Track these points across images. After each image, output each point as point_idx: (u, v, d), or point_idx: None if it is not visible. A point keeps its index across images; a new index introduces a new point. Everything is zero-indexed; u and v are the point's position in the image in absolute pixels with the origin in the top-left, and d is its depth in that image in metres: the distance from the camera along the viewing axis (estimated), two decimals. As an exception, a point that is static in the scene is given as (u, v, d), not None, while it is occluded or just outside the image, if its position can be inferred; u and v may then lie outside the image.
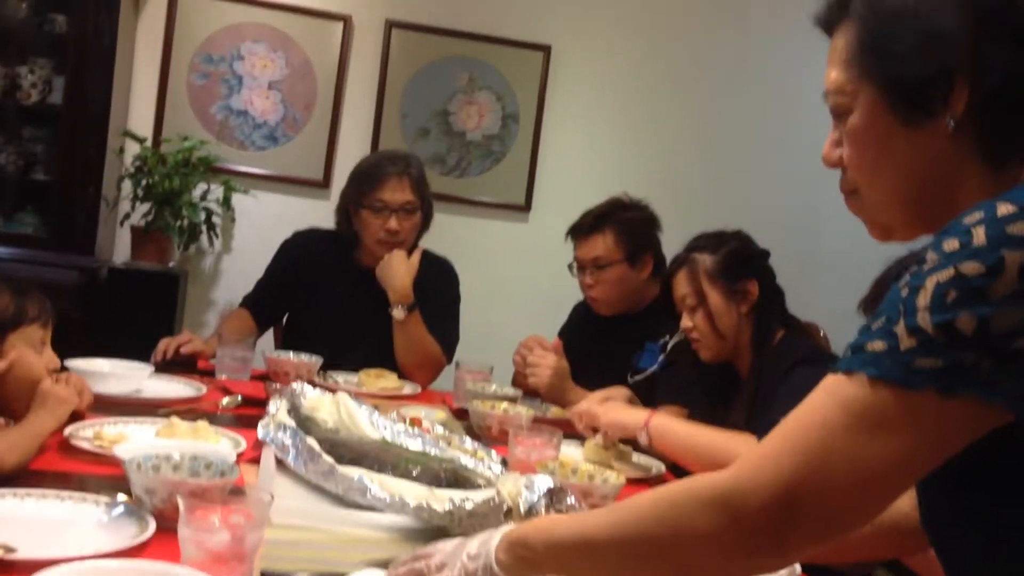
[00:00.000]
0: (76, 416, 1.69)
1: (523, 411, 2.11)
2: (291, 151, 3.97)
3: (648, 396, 2.32)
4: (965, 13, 0.85)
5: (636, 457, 1.95)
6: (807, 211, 4.26)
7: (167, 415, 1.83)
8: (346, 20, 3.95)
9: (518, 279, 4.11)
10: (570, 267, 2.63)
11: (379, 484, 1.39)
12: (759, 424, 1.85)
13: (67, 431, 1.62)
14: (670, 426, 1.89)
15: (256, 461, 1.60)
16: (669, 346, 2.44)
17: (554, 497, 1.31)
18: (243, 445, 1.67)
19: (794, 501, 0.77)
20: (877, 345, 0.78)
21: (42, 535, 1.19)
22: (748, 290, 2.06)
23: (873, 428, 0.76)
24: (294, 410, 1.73)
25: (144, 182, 3.66)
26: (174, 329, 3.64)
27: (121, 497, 1.32)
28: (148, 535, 1.19)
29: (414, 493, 1.35)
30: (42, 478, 1.44)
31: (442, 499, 1.30)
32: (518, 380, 2.58)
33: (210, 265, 4.01)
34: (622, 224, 2.54)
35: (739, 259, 2.08)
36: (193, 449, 1.43)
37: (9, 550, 1.09)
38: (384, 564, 1.20)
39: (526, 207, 4.14)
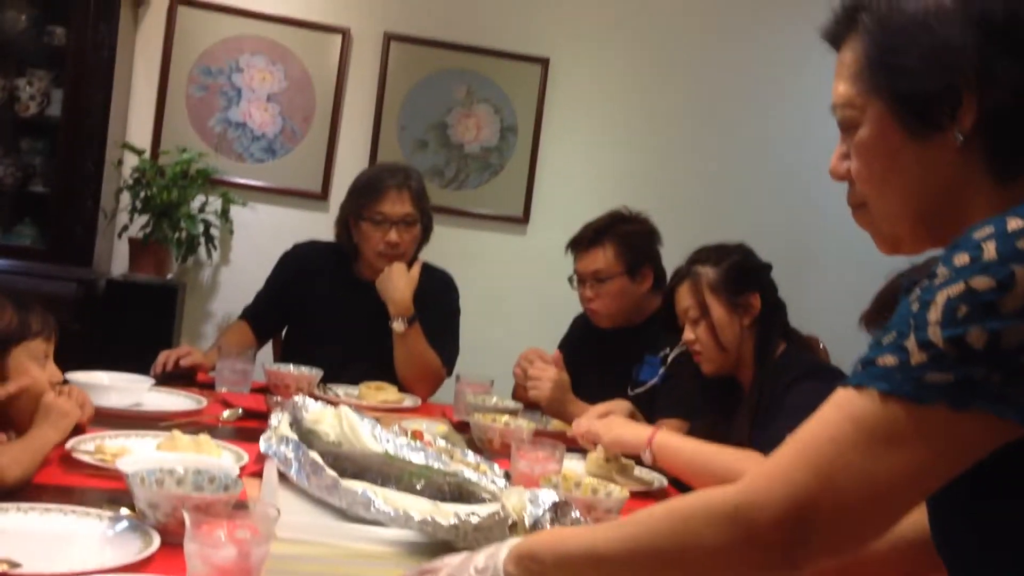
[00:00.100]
0: (77, 429, 1.69)
1: (524, 424, 2.11)
2: (289, 163, 3.97)
3: (648, 409, 2.32)
4: (973, 28, 0.85)
5: (638, 470, 1.94)
6: (807, 223, 4.27)
7: (168, 428, 1.82)
8: (345, 33, 3.96)
9: (516, 291, 4.11)
10: (570, 280, 2.64)
11: (383, 498, 1.39)
12: (761, 438, 1.85)
13: (69, 444, 1.62)
14: (674, 444, 1.88)
15: (258, 475, 1.59)
16: (669, 359, 2.45)
17: (558, 511, 1.31)
18: (245, 458, 1.67)
19: (806, 515, 0.78)
20: (888, 360, 0.78)
21: (46, 550, 1.19)
22: (750, 303, 2.07)
23: (884, 443, 0.77)
24: (296, 423, 1.73)
25: (142, 194, 3.66)
26: (172, 341, 3.63)
27: (124, 511, 1.32)
28: (153, 550, 1.19)
29: (418, 507, 1.35)
30: (44, 492, 1.43)
31: (447, 513, 1.30)
32: (518, 393, 2.58)
33: (208, 277, 4.00)
34: (622, 237, 2.54)
35: (741, 272, 2.09)
36: (196, 463, 1.42)
37: (14, 565, 1.09)
38: (389, 579, 1.20)
39: (524, 219, 4.15)
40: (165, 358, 2.46)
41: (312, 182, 3.98)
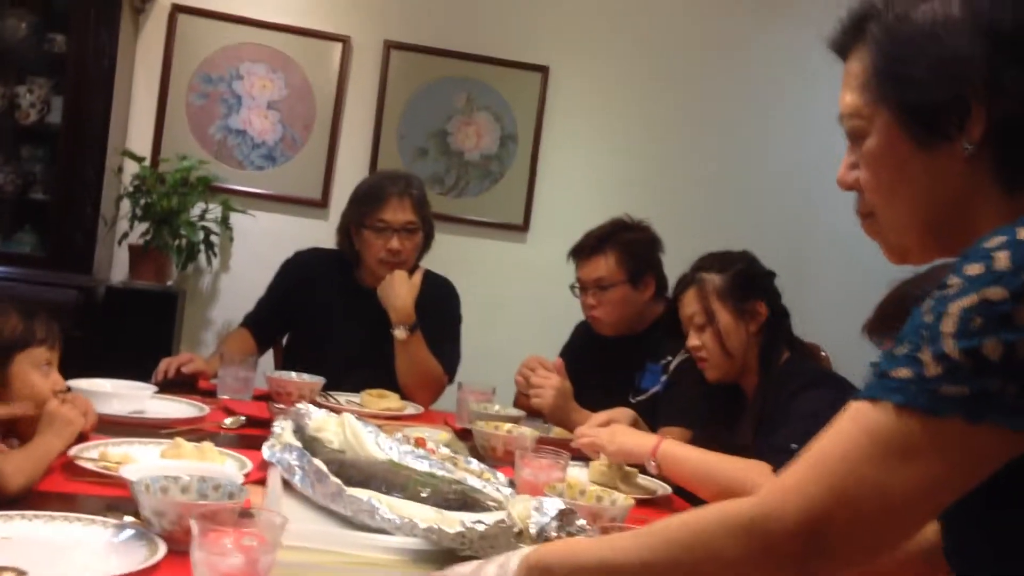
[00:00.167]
0: (81, 437, 1.69)
1: (527, 432, 2.11)
2: (289, 171, 3.97)
3: (650, 417, 2.32)
4: (981, 39, 0.86)
5: (641, 478, 1.94)
6: (806, 230, 4.27)
7: (171, 435, 1.82)
8: (345, 41, 3.97)
9: (516, 299, 4.11)
10: (572, 288, 2.64)
11: (388, 506, 1.38)
12: (766, 446, 1.85)
13: (72, 451, 1.61)
14: (680, 453, 1.88)
15: (261, 482, 1.59)
16: (671, 367, 2.45)
17: (564, 519, 1.31)
18: (249, 466, 1.66)
19: (822, 528, 0.78)
20: (902, 372, 0.78)
21: (52, 558, 1.19)
22: (757, 310, 2.07)
23: (899, 456, 0.77)
24: (299, 431, 1.73)
25: (143, 201, 3.66)
26: (172, 348, 3.63)
27: (128, 519, 1.31)
28: (158, 558, 1.19)
29: (424, 515, 1.35)
30: (48, 499, 1.43)
31: (453, 521, 1.29)
32: (520, 400, 2.58)
33: (208, 284, 4.00)
34: (624, 245, 2.54)
35: (747, 279, 2.09)
36: (201, 470, 1.42)
37: (20, 573, 1.09)
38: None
39: (524, 227, 4.15)
40: (166, 365, 2.46)
41: (312, 190, 3.98)
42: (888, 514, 0.77)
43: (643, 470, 1.95)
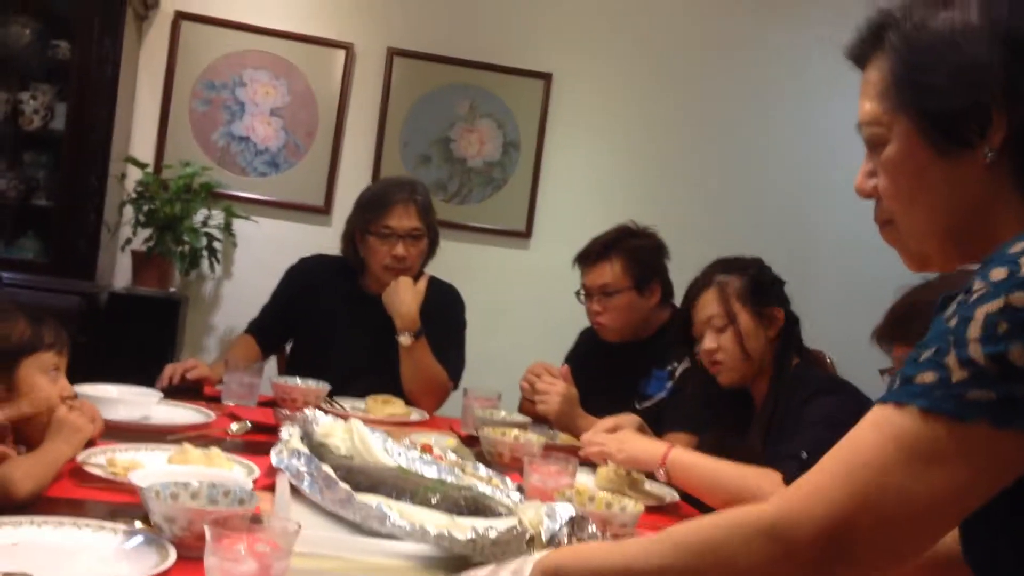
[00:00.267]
0: (88, 443, 1.68)
1: (534, 438, 2.11)
2: (292, 177, 3.98)
3: (655, 423, 2.31)
4: (1000, 46, 0.86)
5: (649, 484, 1.94)
6: (811, 236, 4.28)
7: (178, 441, 1.82)
8: (348, 48, 3.98)
9: (519, 305, 4.11)
10: (577, 294, 2.63)
11: (398, 512, 1.38)
12: (776, 453, 1.85)
13: (79, 457, 1.61)
14: (690, 461, 1.87)
15: (269, 488, 1.58)
16: (677, 373, 2.44)
17: (575, 525, 1.31)
18: (256, 472, 1.66)
19: (846, 533, 0.77)
20: (927, 377, 0.78)
21: (61, 564, 1.18)
22: (775, 315, 2.07)
23: (925, 461, 0.76)
24: (306, 436, 1.73)
25: (146, 208, 3.66)
26: (175, 354, 3.63)
27: (138, 524, 1.31)
28: (169, 564, 1.18)
29: (435, 521, 1.35)
30: (56, 505, 1.43)
31: (464, 528, 1.29)
32: (525, 406, 2.58)
33: (211, 290, 4.00)
34: (630, 251, 2.54)
35: (765, 284, 2.09)
36: (211, 476, 1.42)
37: (31, 579, 1.08)
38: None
39: (527, 234, 4.15)
40: (171, 371, 2.46)
41: (315, 196, 3.99)
42: (912, 520, 0.77)
43: (650, 476, 1.94)
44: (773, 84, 4.30)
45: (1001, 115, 0.86)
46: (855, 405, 1.90)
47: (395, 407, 2.44)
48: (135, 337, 3.53)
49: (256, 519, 1.19)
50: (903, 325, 1.51)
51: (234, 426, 2.07)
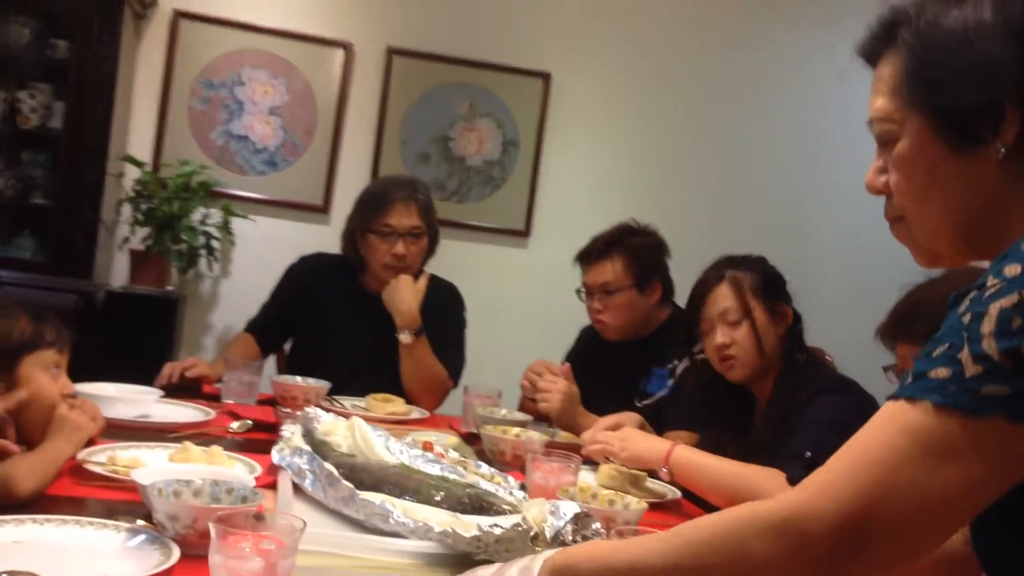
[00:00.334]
0: (88, 441, 1.68)
1: (536, 436, 2.10)
2: (291, 176, 3.97)
3: (656, 421, 2.31)
4: (1013, 42, 0.86)
5: (650, 482, 1.93)
6: (811, 235, 4.28)
7: (178, 440, 1.81)
8: (347, 47, 3.97)
9: (517, 304, 4.11)
10: (578, 292, 2.63)
11: (402, 510, 1.38)
12: (781, 451, 1.84)
13: (80, 455, 1.60)
14: (694, 460, 1.86)
15: (271, 486, 1.58)
16: (677, 371, 2.44)
17: (580, 523, 1.30)
18: (258, 470, 1.65)
19: (859, 529, 0.77)
20: (941, 372, 0.77)
21: (65, 562, 1.18)
22: (785, 312, 2.06)
23: (939, 456, 0.76)
24: (308, 434, 1.72)
25: (144, 206, 3.65)
26: (172, 353, 3.62)
27: (140, 523, 1.30)
28: (173, 562, 1.18)
29: (439, 519, 1.34)
30: (57, 503, 1.42)
31: (468, 525, 1.29)
32: (525, 404, 2.57)
33: (209, 289, 3.99)
34: (631, 250, 2.54)
35: (775, 281, 2.09)
36: (213, 474, 1.41)
37: (35, 577, 1.07)
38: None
39: (526, 232, 4.15)
40: (171, 370, 2.46)
41: (313, 195, 3.98)
42: (926, 515, 0.77)
43: (652, 474, 1.94)
44: (772, 83, 4.30)
45: (1014, 111, 0.86)
46: (859, 404, 1.90)
47: (395, 405, 2.44)
48: (132, 336, 3.52)
49: (259, 517, 1.19)
50: (907, 323, 1.51)
51: (234, 424, 2.07)
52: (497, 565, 1.04)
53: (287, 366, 2.83)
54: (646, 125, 4.22)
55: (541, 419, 2.44)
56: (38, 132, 3.62)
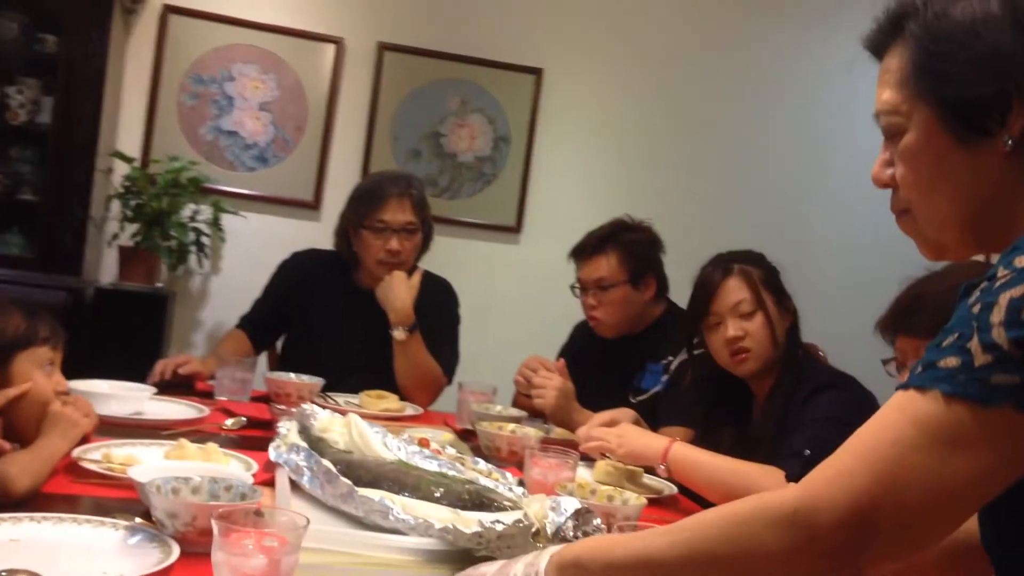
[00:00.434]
0: (82, 438, 1.67)
1: (532, 432, 2.10)
2: (281, 172, 3.95)
3: (650, 417, 2.31)
4: (1021, 35, 0.86)
5: (647, 478, 1.93)
6: (803, 230, 4.28)
7: (173, 437, 1.80)
8: (338, 42, 3.95)
9: (508, 300, 4.10)
10: (572, 288, 2.62)
11: (401, 506, 1.37)
12: (779, 448, 1.85)
13: (75, 453, 1.59)
14: (691, 457, 1.86)
15: (267, 484, 1.57)
16: (672, 367, 2.44)
17: (581, 519, 1.30)
18: (255, 467, 1.64)
19: (869, 519, 0.77)
20: (950, 361, 0.77)
21: (64, 561, 1.17)
22: (790, 307, 2.06)
23: (948, 445, 0.76)
24: (304, 431, 1.71)
25: (133, 202, 3.63)
26: (162, 350, 3.60)
27: (138, 520, 1.29)
28: (172, 560, 1.17)
29: (439, 515, 1.34)
30: (52, 501, 1.41)
31: (469, 521, 1.28)
32: (519, 401, 2.57)
33: (198, 286, 3.97)
34: (625, 245, 2.53)
35: (778, 275, 2.09)
36: (212, 472, 1.40)
37: None
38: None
39: (517, 228, 4.15)
40: (163, 367, 2.44)
41: (304, 191, 3.96)
42: (936, 505, 0.77)
43: (648, 469, 1.94)
44: (764, 80, 4.30)
45: (1022, 103, 0.86)
46: (858, 401, 1.91)
47: (389, 402, 2.43)
48: (122, 333, 3.50)
49: (259, 514, 1.18)
50: (907, 316, 1.51)
51: (229, 421, 2.06)
52: (502, 561, 1.04)
53: (280, 362, 2.82)
54: (638, 121, 4.22)
55: (535, 415, 2.44)
56: (26, 128, 3.59)
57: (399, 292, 2.59)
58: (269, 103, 3.92)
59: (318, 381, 2.39)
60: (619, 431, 1.96)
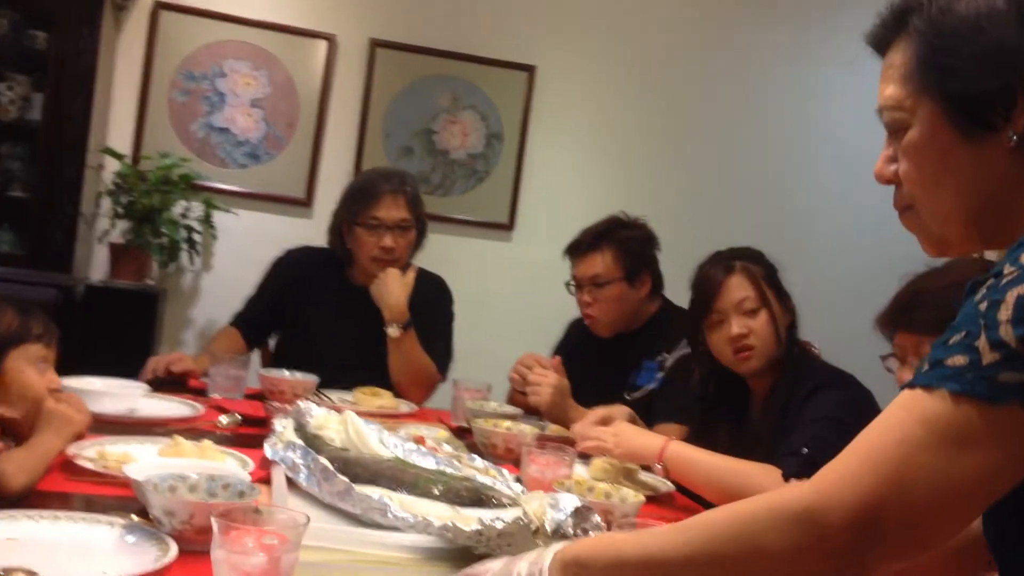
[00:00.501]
0: (76, 436, 1.65)
1: (528, 429, 2.10)
2: (273, 169, 3.94)
3: (645, 414, 2.31)
4: None
5: (643, 475, 1.93)
6: (794, 229, 4.29)
7: (167, 434, 1.78)
8: (330, 39, 3.94)
9: (501, 298, 4.10)
10: (567, 285, 2.62)
11: (399, 504, 1.37)
12: (778, 446, 1.84)
13: (70, 451, 1.58)
14: (688, 456, 1.85)
15: (263, 481, 1.56)
16: (668, 364, 2.44)
17: (580, 516, 1.30)
18: (251, 465, 1.64)
19: (877, 518, 0.77)
20: (958, 360, 0.77)
21: (61, 559, 1.16)
22: (790, 306, 2.06)
23: (956, 444, 0.76)
24: (300, 428, 1.70)
25: (124, 199, 3.61)
26: (153, 347, 3.59)
27: (135, 518, 1.28)
28: (171, 558, 1.16)
29: (438, 513, 1.33)
30: (47, 499, 1.40)
31: (469, 519, 1.28)
32: (514, 398, 2.56)
33: (189, 283, 3.95)
34: (621, 242, 2.53)
35: (777, 274, 2.09)
36: (209, 469, 1.39)
37: (31, 574, 1.05)
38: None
39: (509, 226, 4.14)
40: (155, 364, 2.43)
41: (296, 188, 3.95)
42: (944, 504, 0.77)
43: (644, 467, 1.93)
44: (757, 76, 4.31)
45: None
46: (858, 400, 1.91)
47: (383, 399, 2.42)
48: (113, 331, 3.49)
49: (256, 512, 1.17)
50: (907, 312, 1.51)
51: (224, 419, 2.04)
52: (505, 559, 1.03)
53: (274, 360, 2.80)
54: (631, 118, 4.22)
55: (530, 412, 2.43)
56: (17, 124, 3.57)
57: (393, 289, 2.58)
58: (261, 100, 3.91)
59: (312, 378, 2.38)
60: (615, 430, 1.96)
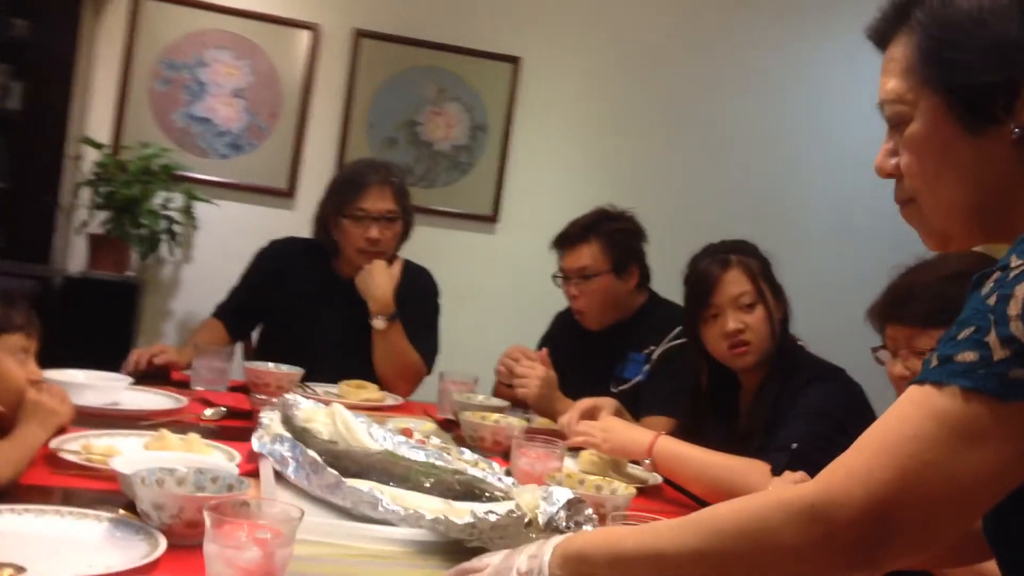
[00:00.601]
0: (60, 429, 1.63)
1: (515, 422, 2.09)
2: (255, 160, 3.90)
3: (632, 406, 2.31)
4: None
5: (631, 468, 1.93)
6: (780, 222, 4.30)
7: (152, 427, 1.77)
8: (314, 29, 3.90)
9: (485, 290, 4.08)
10: (555, 278, 2.61)
11: (390, 497, 1.35)
12: (768, 440, 1.84)
13: (53, 444, 1.56)
14: (677, 451, 1.84)
15: (251, 475, 1.54)
16: (654, 356, 2.44)
17: (573, 509, 1.29)
18: (238, 457, 1.62)
19: (887, 514, 0.76)
20: (968, 356, 0.77)
21: (48, 553, 1.14)
22: (784, 299, 2.06)
23: (967, 440, 0.76)
24: (288, 421, 1.69)
25: (103, 190, 3.57)
26: (132, 340, 3.55)
27: (121, 512, 1.26)
28: (160, 552, 1.14)
29: (430, 506, 1.32)
30: (31, 493, 1.38)
31: (461, 512, 1.27)
32: (500, 390, 2.55)
33: (170, 275, 3.91)
34: (608, 234, 2.52)
35: (771, 268, 2.08)
36: (196, 463, 1.38)
37: (19, 570, 1.04)
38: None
39: (494, 218, 4.13)
40: (138, 356, 2.40)
41: (278, 179, 3.92)
42: (954, 500, 0.77)
43: (633, 460, 1.93)
44: (746, 71, 4.31)
45: None
46: (847, 395, 1.91)
47: (369, 392, 2.41)
48: (91, 322, 3.45)
49: (247, 505, 1.16)
50: (899, 305, 1.51)
51: (208, 411, 2.03)
52: (504, 552, 1.02)
53: (258, 352, 2.78)
54: (616, 110, 4.21)
55: (517, 405, 2.42)
56: (-6, 113, 3.52)
57: (379, 281, 2.57)
58: (243, 89, 3.87)
59: (297, 371, 2.36)
60: (604, 425, 1.94)
